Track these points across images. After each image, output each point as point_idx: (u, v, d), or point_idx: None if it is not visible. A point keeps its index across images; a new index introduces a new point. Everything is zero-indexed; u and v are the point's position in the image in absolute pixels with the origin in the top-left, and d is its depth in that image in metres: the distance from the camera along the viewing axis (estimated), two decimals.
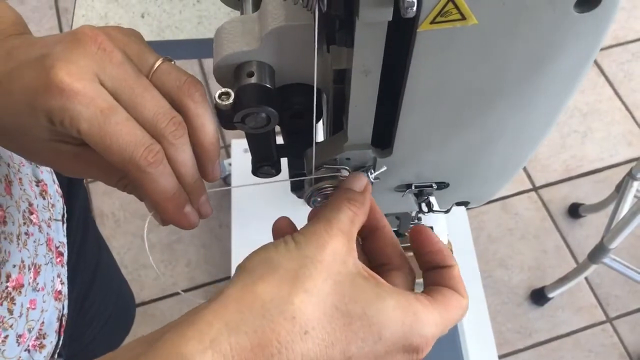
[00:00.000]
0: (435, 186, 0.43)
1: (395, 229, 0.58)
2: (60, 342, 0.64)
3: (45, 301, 0.59)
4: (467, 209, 0.48)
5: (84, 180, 0.79)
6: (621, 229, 1.36)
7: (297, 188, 0.45)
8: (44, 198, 0.62)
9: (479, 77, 0.32)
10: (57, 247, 0.63)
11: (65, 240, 0.65)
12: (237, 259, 1.36)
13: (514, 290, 1.67)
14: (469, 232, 1.47)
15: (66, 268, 0.65)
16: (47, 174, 0.64)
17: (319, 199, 0.41)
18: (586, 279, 1.67)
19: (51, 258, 0.61)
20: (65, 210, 0.67)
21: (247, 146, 0.46)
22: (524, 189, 1.82)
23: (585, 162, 1.87)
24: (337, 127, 0.40)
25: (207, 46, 0.96)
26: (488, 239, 1.75)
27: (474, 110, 0.34)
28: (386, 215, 0.55)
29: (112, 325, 0.87)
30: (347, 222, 0.36)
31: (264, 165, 0.41)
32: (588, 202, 1.74)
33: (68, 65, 0.33)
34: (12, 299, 0.53)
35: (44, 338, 0.60)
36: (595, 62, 2.04)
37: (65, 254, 0.65)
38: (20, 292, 0.54)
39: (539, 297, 1.64)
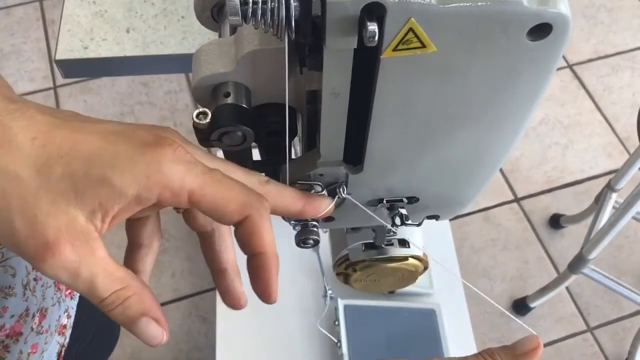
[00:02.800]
0: (405, 200, 0.44)
1: (372, 241, 0.59)
2: None
3: (47, 342, 0.59)
4: (438, 221, 0.50)
5: None
6: (600, 240, 1.39)
7: None
8: None
9: (441, 100, 0.34)
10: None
11: None
12: None
13: (496, 300, 1.69)
14: (451, 242, 1.49)
15: (77, 298, 0.65)
16: None
17: None
18: (567, 289, 1.69)
19: (59, 297, 0.61)
20: None
21: None
22: (506, 200, 1.85)
23: (566, 174, 1.90)
24: (311, 144, 0.42)
25: (191, 61, 0.98)
26: (471, 250, 1.77)
27: (439, 130, 0.36)
28: (362, 228, 0.57)
29: (94, 347, 0.87)
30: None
31: None
32: (569, 213, 1.77)
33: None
34: (6, 347, 0.53)
35: None
36: (576, 76, 2.08)
37: None
38: (17, 340, 0.54)
39: (520, 307, 1.66)
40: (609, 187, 1.51)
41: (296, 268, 1.34)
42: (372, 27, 0.28)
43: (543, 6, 0.29)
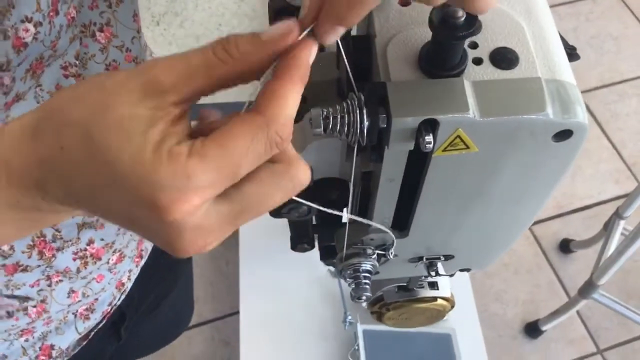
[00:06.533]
0: (442, 258, 0.51)
1: (405, 284, 0.66)
2: (102, 324, 0.71)
3: (109, 283, 0.66)
4: (469, 272, 0.56)
5: None
6: (609, 267, 1.45)
7: (325, 257, 0.53)
8: None
9: (478, 186, 0.40)
10: (141, 250, 0.70)
11: (150, 247, 0.73)
12: (244, 296, 1.43)
13: (509, 324, 1.75)
14: None
15: (139, 269, 0.72)
16: None
17: (349, 272, 0.49)
18: (577, 312, 1.74)
19: (134, 255, 0.67)
20: None
21: None
22: None
23: (575, 200, 1.96)
24: (361, 212, 0.48)
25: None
26: (484, 274, 1.83)
27: (475, 206, 0.43)
28: (399, 277, 0.64)
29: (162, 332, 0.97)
30: None
31: (302, 243, 0.50)
32: (578, 238, 1.83)
33: None
34: (85, 263, 0.58)
35: (91, 312, 0.67)
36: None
37: (144, 259, 0.72)
38: (95, 262, 0.59)
39: (533, 330, 1.71)
40: (617, 215, 1.57)
41: (315, 295, 1.40)
42: (429, 138, 0.35)
43: (566, 116, 0.36)
